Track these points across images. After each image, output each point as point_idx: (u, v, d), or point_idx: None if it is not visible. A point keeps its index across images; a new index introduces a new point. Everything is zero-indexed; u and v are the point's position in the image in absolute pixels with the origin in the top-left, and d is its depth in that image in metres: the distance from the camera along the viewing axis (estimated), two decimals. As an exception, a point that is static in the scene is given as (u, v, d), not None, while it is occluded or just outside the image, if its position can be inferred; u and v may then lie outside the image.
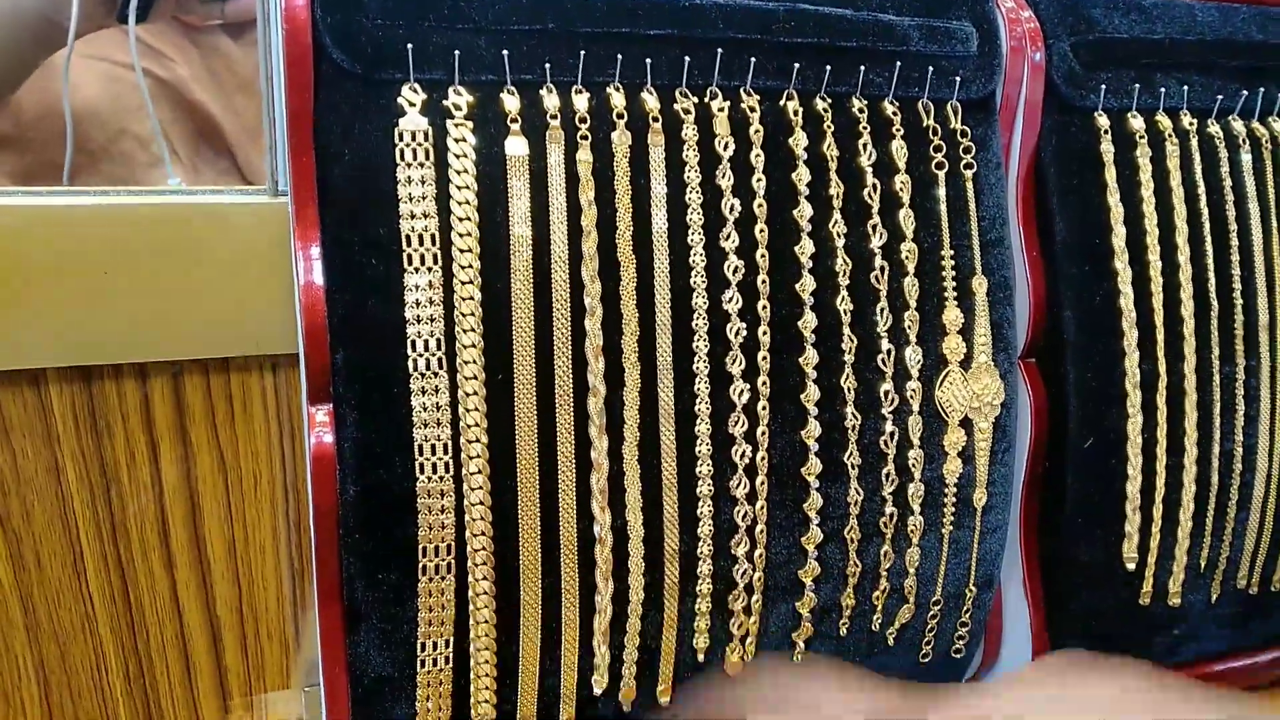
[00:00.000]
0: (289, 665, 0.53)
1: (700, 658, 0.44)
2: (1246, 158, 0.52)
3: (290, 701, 0.54)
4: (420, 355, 0.37)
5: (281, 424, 0.48)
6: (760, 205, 0.42)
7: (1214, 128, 0.52)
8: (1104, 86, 0.49)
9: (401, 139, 0.37)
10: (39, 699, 0.49)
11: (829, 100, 0.43)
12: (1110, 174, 0.49)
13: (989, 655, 0.52)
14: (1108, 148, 0.49)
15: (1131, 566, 0.51)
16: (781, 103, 0.43)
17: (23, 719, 0.49)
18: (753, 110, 0.42)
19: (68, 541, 0.47)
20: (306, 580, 0.52)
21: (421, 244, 0.37)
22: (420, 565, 0.38)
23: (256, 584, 0.51)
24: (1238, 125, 0.52)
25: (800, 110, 0.43)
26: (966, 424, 0.46)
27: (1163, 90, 0.50)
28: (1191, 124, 0.51)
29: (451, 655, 0.39)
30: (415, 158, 0.37)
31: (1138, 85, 0.50)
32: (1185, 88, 0.51)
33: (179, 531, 0.48)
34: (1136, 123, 0.50)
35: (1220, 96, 0.52)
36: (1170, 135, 0.50)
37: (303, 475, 0.50)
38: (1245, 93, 0.52)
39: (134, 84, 0.78)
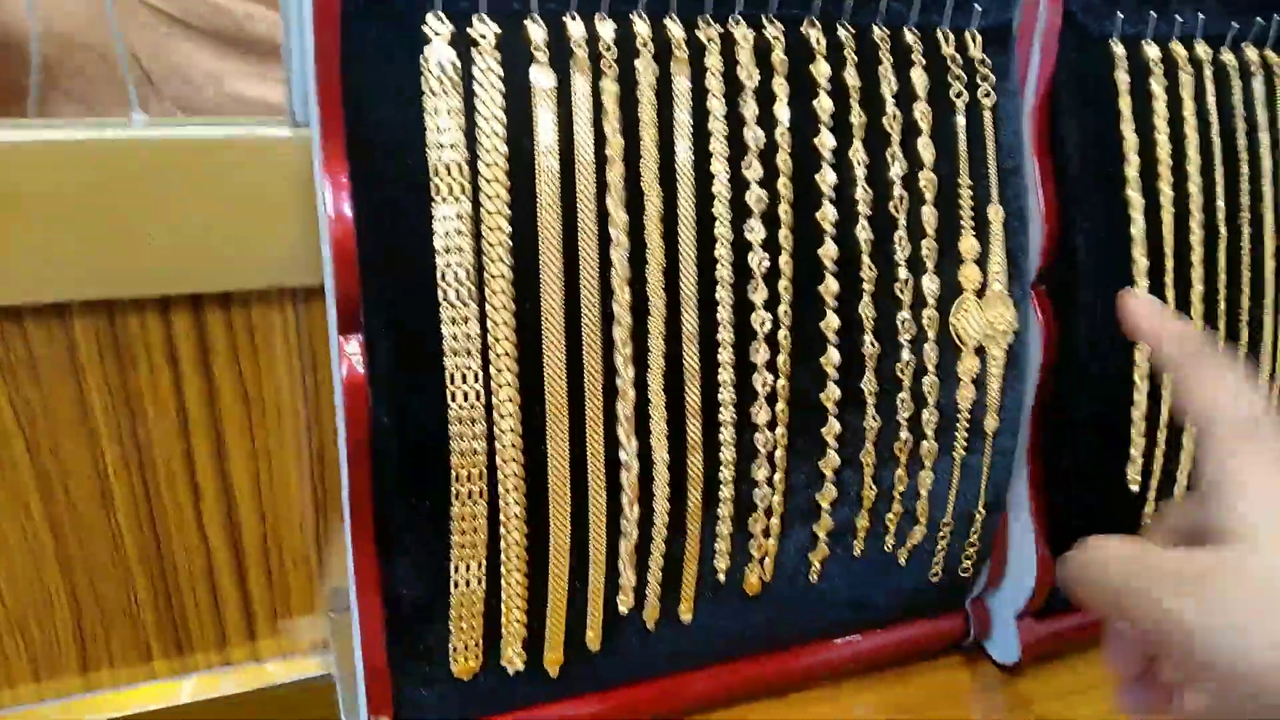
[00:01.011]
0: (314, 592, 0.54)
1: (721, 578, 0.45)
2: (1259, 86, 0.53)
3: (316, 626, 0.55)
4: (450, 286, 0.37)
5: (303, 356, 0.49)
6: (783, 134, 0.42)
7: (1227, 56, 0.52)
8: (1120, 14, 0.49)
9: (428, 70, 0.37)
10: (72, 628, 0.50)
11: (851, 29, 0.43)
12: (1125, 103, 0.49)
13: (995, 574, 0.54)
14: (1123, 76, 0.49)
15: (1135, 489, 0.52)
16: (804, 30, 0.43)
17: (57, 648, 0.50)
18: (776, 39, 0.42)
19: (96, 474, 0.47)
20: (329, 509, 0.52)
21: (450, 175, 0.37)
22: (454, 491, 0.39)
23: (280, 514, 0.52)
24: (1251, 53, 0.52)
25: (822, 39, 0.43)
26: (980, 351, 0.47)
27: (1178, 18, 0.50)
28: (1206, 53, 0.51)
29: (484, 578, 0.40)
30: (442, 88, 0.37)
31: (1153, 13, 0.50)
32: (1201, 15, 0.51)
33: (204, 463, 0.49)
34: (1152, 51, 0.50)
35: (1235, 24, 0.52)
36: (1185, 64, 0.50)
37: (325, 407, 0.50)
38: (1260, 20, 0.52)
39: None
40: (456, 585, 0.40)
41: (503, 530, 0.40)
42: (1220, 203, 0.52)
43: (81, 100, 0.79)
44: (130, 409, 0.47)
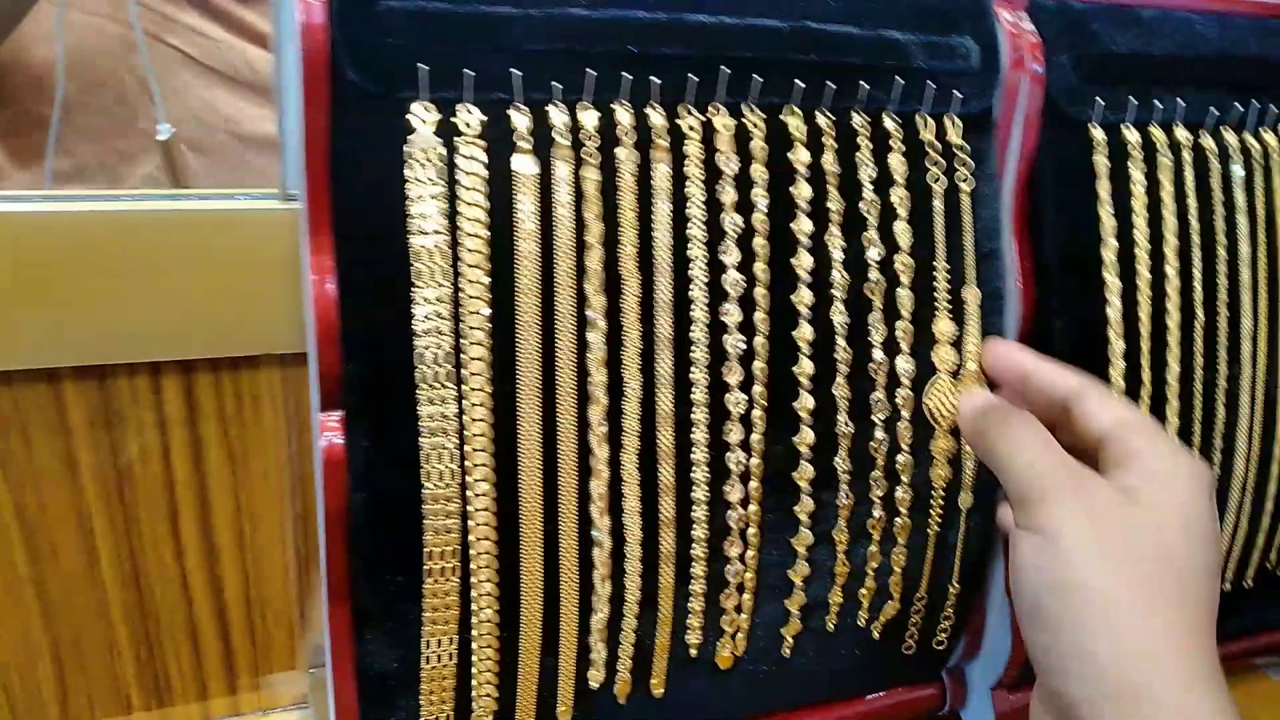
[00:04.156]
0: (294, 648, 0.55)
1: (693, 653, 0.46)
2: (1238, 170, 0.53)
3: (295, 682, 0.55)
4: (429, 367, 0.38)
5: (289, 420, 0.50)
6: (761, 220, 0.43)
7: (1207, 140, 0.53)
8: (1101, 101, 0.50)
9: (412, 157, 0.38)
10: (54, 679, 0.51)
11: (831, 116, 0.44)
12: (1104, 187, 0.50)
13: (971, 646, 0.54)
14: (1102, 161, 0.50)
15: (1109, 567, 0.53)
16: (783, 118, 0.44)
17: (39, 699, 0.51)
18: (755, 126, 0.43)
19: (82, 532, 0.48)
20: (311, 568, 0.53)
21: (431, 259, 0.38)
22: (425, 569, 0.39)
23: (264, 572, 0.52)
24: (1230, 138, 0.53)
25: (802, 126, 0.44)
26: (955, 431, 0.48)
27: (1158, 104, 0.51)
28: (1185, 138, 0.52)
29: (455, 652, 0.41)
30: (426, 175, 0.38)
31: (1133, 100, 0.51)
32: (1180, 101, 0.52)
33: (189, 524, 0.50)
34: (1131, 136, 0.51)
35: (1215, 110, 0.53)
36: (1164, 148, 0.51)
37: (309, 469, 0.51)
38: (1239, 105, 0.53)
39: (113, 35, 0.78)
40: (428, 660, 0.41)
41: (474, 607, 0.40)
42: (1198, 285, 0.52)
43: (98, 140, 0.81)
44: (117, 469, 0.48)
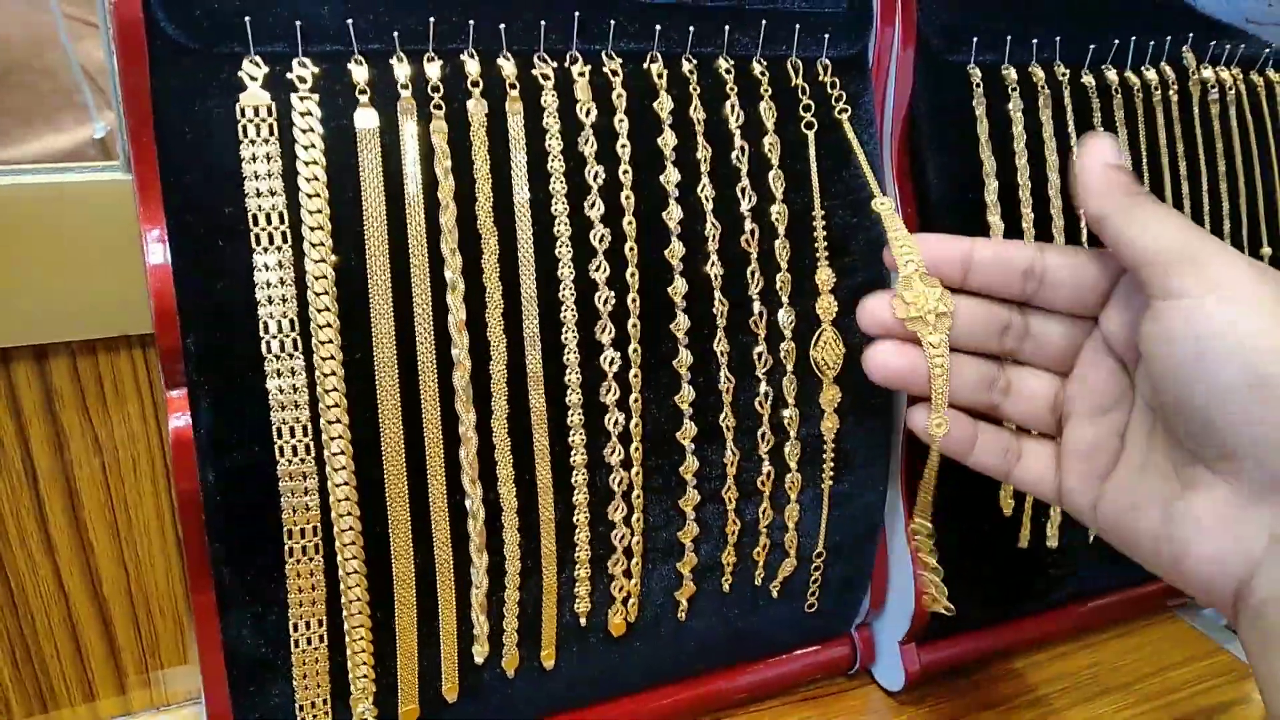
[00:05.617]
0: (184, 641, 0.53)
1: (582, 621, 0.44)
2: (1119, 107, 0.53)
3: (188, 677, 0.54)
4: (273, 337, 0.36)
5: (157, 403, 0.48)
6: (625, 172, 0.42)
7: (1087, 78, 0.52)
8: (977, 39, 0.49)
9: (244, 115, 0.36)
10: (-78, 689, 0.48)
11: (694, 61, 0.43)
12: (983, 128, 0.49)
13: (876, 601, 0.53)
14: (980, 102, 0.50)
15: (1008, 512, 0.52)
16: (645, 65, 0.42)
17: (-93, 710, 0.48)
18: (615, 74, 0.41)
19: (-62, 531, 0.46)
20: (195, 558, 0.51)
21: (269, 223, 0.36)
22: (286, 548, 0.38)
23: (144, 564, 0.50)
24: (1111, 75, 0.53)
25: (664, 73, 0.42)
26: (842, 380, 0.47)
27: (1035, 42, 0.51)
28: (1064, 75, 0.51)
29: (326, 634, 0.39)
30: (259, 134, 0.36)
31: (1010, 38, 0.50)
32: (1058, 38, 0.51)
33: (57, 516, 0.48)
34: (1010, 75, 0.50)
35: (1094, 46, 0.52)
36: (1043, 86, 0.51)
37: (181, 455, 0.49)
38: (1118, 41, 0.53)
39: (41, 23, 0.75)
40: (297, 644, 0.39)
41: (342, 586, 0.39)
42: (1084, 225, 0.52)
43: (29, 119, 0.77)
44: (-28, 464, 0.45)
